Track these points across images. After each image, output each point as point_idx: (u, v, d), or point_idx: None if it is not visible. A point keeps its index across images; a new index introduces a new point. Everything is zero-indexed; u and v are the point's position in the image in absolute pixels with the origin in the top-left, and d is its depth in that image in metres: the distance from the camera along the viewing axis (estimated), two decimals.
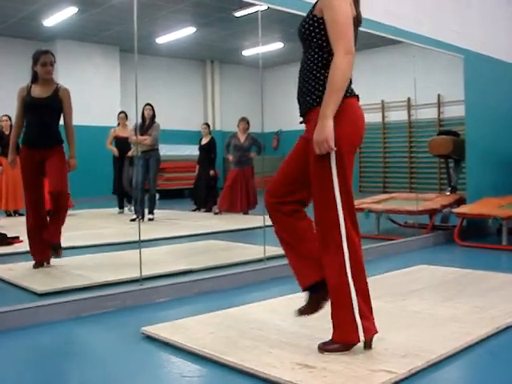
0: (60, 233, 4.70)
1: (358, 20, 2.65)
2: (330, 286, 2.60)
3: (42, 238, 4.63)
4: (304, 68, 2.66)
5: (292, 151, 2.80)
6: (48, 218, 4.71)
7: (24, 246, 5.57)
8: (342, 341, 2.59)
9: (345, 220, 2.54)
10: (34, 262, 4.67)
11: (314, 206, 2.63)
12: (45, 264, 4.70)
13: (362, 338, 2.55)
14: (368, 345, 2.62)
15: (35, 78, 4.61)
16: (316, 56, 2.61)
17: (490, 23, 7.33)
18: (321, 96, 2.53)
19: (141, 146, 8.13)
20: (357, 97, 2.64)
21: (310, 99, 2.60)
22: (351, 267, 2.56)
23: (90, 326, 3.35)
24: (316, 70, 2.60)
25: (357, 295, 2.56)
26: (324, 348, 2.61)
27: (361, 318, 2.54)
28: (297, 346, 2.70)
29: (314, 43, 2.61)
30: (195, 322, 3.19)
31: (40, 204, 4.69)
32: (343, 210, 2.53)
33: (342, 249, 2.55)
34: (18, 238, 5.95)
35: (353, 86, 2.64)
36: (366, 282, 2.64)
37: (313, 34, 2.59)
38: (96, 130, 10.90)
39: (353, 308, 2.54)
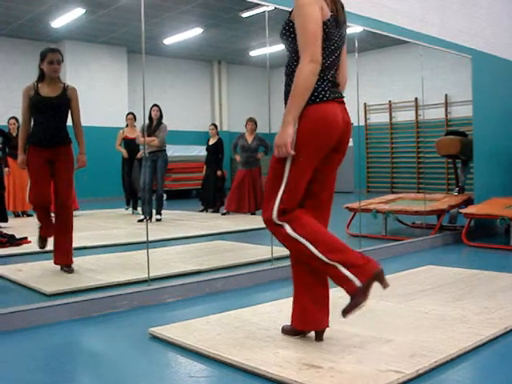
0: (70, 252, 4.62)
1: (337, 20, 2.64)
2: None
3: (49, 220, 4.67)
4: (286, 72, 2.72)
5: None
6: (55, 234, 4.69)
7: (33, 246, 5.61)
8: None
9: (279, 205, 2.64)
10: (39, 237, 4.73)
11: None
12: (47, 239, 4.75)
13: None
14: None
15: (42, 76, 4.53)
16: (292, 60, 2.66)
17: (497, 23, 7.30)
18: None
19: (148, 147, 8.15)
20: (335, 99, 2.63)
21: (286, 102, 2.66)
22: (309, 242, 2.61)
23: (98, 326, 3.36)
24: (291, 73, 2.64)
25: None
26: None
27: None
28: (304, 346, 2.70)
29: (290, 47, 2.67)
30: (203, 322, 3.19)
31: (46, 205, 4.60)
32: (280, 201, 2.64)
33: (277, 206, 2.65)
34: (26, 238, 5.97)
35: (334, 88, 2.65)
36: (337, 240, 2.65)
37: (289, 39, 2.65)
38: (104, 131, 10.94)
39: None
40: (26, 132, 4.57)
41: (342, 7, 2.71)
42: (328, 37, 2.59)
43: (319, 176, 2.70)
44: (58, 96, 4.54)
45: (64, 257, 4.57)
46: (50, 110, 4.51)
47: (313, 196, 2.74)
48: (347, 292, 2.57)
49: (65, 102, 4.56)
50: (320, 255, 2.56)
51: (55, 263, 4.61)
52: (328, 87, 2.60)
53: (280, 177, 2.63)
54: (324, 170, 2.71)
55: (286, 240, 2.68)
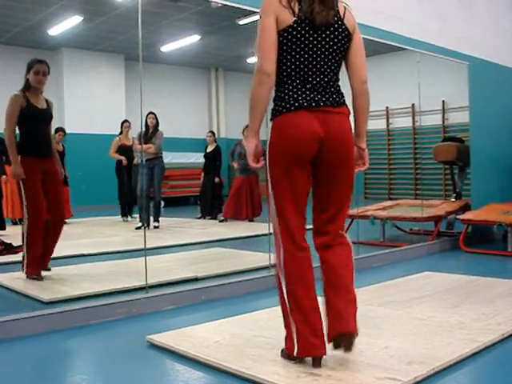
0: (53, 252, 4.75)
1: (312, 24, 2.44)
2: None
3: (42, 249, 4.57)
4: None
5: None
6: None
7: None
8: (287, 351, 2.58)
9: (281, 230, 2.54)
10: (29, 274, 4.54)
11: None
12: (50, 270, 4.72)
13: (295, 353, 2.50)
14: (316, 364, 2.50)
15: (27, 87, 4.51)
16: None
17: (495, 30, 7.33)
18: (272, 110, 2.54)
19: (145, 155, 8.16)
20: (307, 108, 2.46)
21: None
22: (286, 281, 2.51)
23: (95, 334, 3.36)
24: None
25: (291, 311, 2.50)
26: (281, 352, 2.65)
27: (297, 336, 2.48)
28: None
29: None
30: (201, 330, 3.19)
31: (43, 216, 4.58)
32: (278, 218, 2.54)
33: (279, 258, 2.56)
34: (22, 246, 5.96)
35: (311, 96, 2.48)
36: (312, 299, 2.50)
37: None
38: (101, 138, 10.94)
39: (290, 322, 2.53)
40: (15, 141, 4.49)
41: (331, 8, 2.47)
42: (295, 43, 2.45)
43: (319, 193, 2.62)
44: (48, 108, 4.65)
45: (48, 258, 4.70)
46: (43, 121, 4.60)
47: (323, 210, 2.62)
48: (286, 348, 2.59)
49: (51, 114, 4.69)
50: (287, 303, 2.52)
51: (43, 268, 4.63)
52: (297, 96, 2.46)
53: (268, 191, 2.60)
54: (323, 187, 2.59)
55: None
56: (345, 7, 2.56)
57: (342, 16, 2.52)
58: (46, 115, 4.62)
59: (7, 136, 4.43)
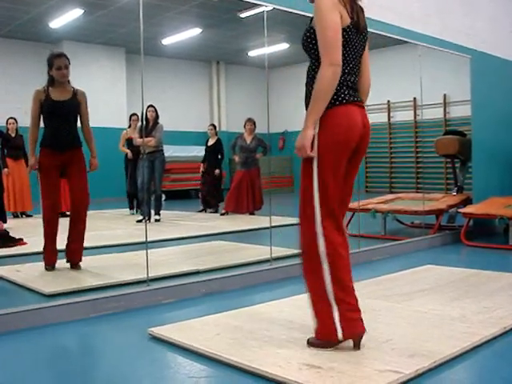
0: (82, 251, 4.73)
1: (357, 27, 2.66)
2: (308, 282, 2.68)
3: (55, 242, 4.67)
4: (307, 76, 2.74)
5: None
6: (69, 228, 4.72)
7: (31, 247, 5.61)
8: (323, 338, 2.64)
9: (322, 217, 2.60)
10: (44, 264, 4.68)
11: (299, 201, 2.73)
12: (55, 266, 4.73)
13: (340, 337, 2.58)
14: (356, 345, 2.63)
15: (51, 82, 4.65)
16: (313, 67, 2.68)
17: (497, 23, 7.31)
18: None
19: (146, 148, 8.15)
20: (354, 103, 2.65)
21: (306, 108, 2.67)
22: (329, 267, 2.59)
23: (97, 326, 3.36)
24: (312, 80, 2.66)
25: (336, 296, 2.58)
26: (310, 342, 2.69)
27: (340, 319, 2.57)
28: (304, 346, 2.70)
29: (312, 53, 2.69)
30: (202, 322, 3.19)
31: (57, 209, 4.71)
32: (321, 207, 2.60)
33: (317, 245, 2.60)
34: (21, 240, 5.97)
35: (354, 93, 2.68)
36: (349, 280, 2.64)
37: (311, 45, 2.67)
38: (102, 132, 10.91)
39: (331, 308, 2.59)
40: (35, 135, 4.67)
41: (363, 12, 2.73)
42: (348, 43, 2.62)
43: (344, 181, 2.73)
44: (69, 100, 4.66)
45: (76, 254, 4.70)
46: (61, 114, 4.63)
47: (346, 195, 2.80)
48: (320, 334, 2.64)
49: (75, 105, 4.69)
50: (329, 287, 2.58)
51: (67, 261, 4.73)
52: (348, 91, 2.63)
53: (309, 180, 2.63)
54: (347, 177, 2.74)
55: (309, 252, 2.65)
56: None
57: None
58: (65, 108, 4.61)
59: (29, 130, 4.67)
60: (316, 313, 2.65)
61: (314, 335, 2.69)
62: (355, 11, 2.66)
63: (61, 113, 4.60)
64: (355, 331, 2.60)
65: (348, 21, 2.61)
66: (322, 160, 2.59)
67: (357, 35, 2.67)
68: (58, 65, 4.59)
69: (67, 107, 4.62)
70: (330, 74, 2.52)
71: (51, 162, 4.59)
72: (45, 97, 4.60)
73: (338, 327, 2.57)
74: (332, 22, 2.54)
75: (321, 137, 2.58)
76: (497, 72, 7.16)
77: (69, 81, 4.73)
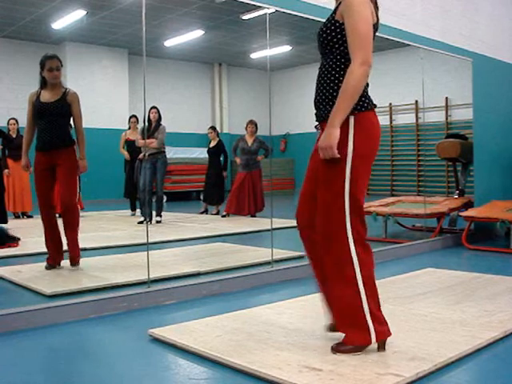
0: (77, 245, 4.76)
1: (376, 29, 2.60)
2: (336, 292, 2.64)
3: (54, 241, 4.72)
4: (324, 74, 2.61)
5: (308, 166, 2.79)
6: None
7: (33, 247, 5.62)
8: (353, 343, 2.59)
9: (352, 223, 2.53)
10: (45, 264, 4.72)
11: (318, 210, 2.60)
12: (56, 266, 4.74)
13: (373, 340, 2.56)
14: (381, 347, 2.63)
15: (44, 83, 4.70)
16: (338, 63, 2.56)
17: (498, 26, 7.31)
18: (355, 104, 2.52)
19: (148, 149, 8.16)
20: (375, 107, 2.62)
21: (329, 108, 2.55)
22: (363, 271, 2.57)
23: (97, 327, 3.36)
24: (336, 77, 2.55)
25: (367, 299, 2.56)
26: (337, 349, 2.61)
27: (372, 321, 2.55)
28: (304, 348, 2.70)
29: (335, 49, 2.56)
30: (202, 324, 3.19)
31: (50, 210, 4.75)
32: (351, 214, 2.53)
33: (350, 251, 2.55)
34: (18, 240, 5.96)
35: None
36: (376, 285, 2.65)
37: (334, 40, 2.54)
38: (105, 133, 10.96)
39: (364, 311, 2.55)
40: (29, 137, 4.77)
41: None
42: (373, 41, 2.54)
43: None
44: (57, 101, 4.67)
45: (71, 249, 4.71)
46: (49, 115, 4.65)
47: None
48: (351, 340, 2.59)
49: (63, 106, 4.68)
50: (362, 291, 2.56)
51: (71, 263, 4.75)
52: (368, 94, 2.59)
53: (339, 185, 2.53)
54: None
55: (339, 253, 2.58)
56: None
57: None
58: (50, 109, 4.62)
59: (24, 131, 4.81)
60: (346, 317, 2.61)
61: (341, 341, 2.63)
62: (377, 10, 2.61)
63: (47, 114, 4.63)
64: (386, 335, 2.61)
65: (375, 20, 2.54)
66: (355, 163, 2.51)
67: (375, 34, 2.60)
68: (49, 66, 4.61)
69: (53, 109, 4.63)
70: (361, 73, 2.42)
71: (41, 162, 4.66)
72: (36, 98, 4.66)
73: (371, 330, 2.55)
74: (367, 19, 2.45)
75: (357, 143, 2.49)
76: (498, 75, 7.16)
77: (61, 82, 4.74)
